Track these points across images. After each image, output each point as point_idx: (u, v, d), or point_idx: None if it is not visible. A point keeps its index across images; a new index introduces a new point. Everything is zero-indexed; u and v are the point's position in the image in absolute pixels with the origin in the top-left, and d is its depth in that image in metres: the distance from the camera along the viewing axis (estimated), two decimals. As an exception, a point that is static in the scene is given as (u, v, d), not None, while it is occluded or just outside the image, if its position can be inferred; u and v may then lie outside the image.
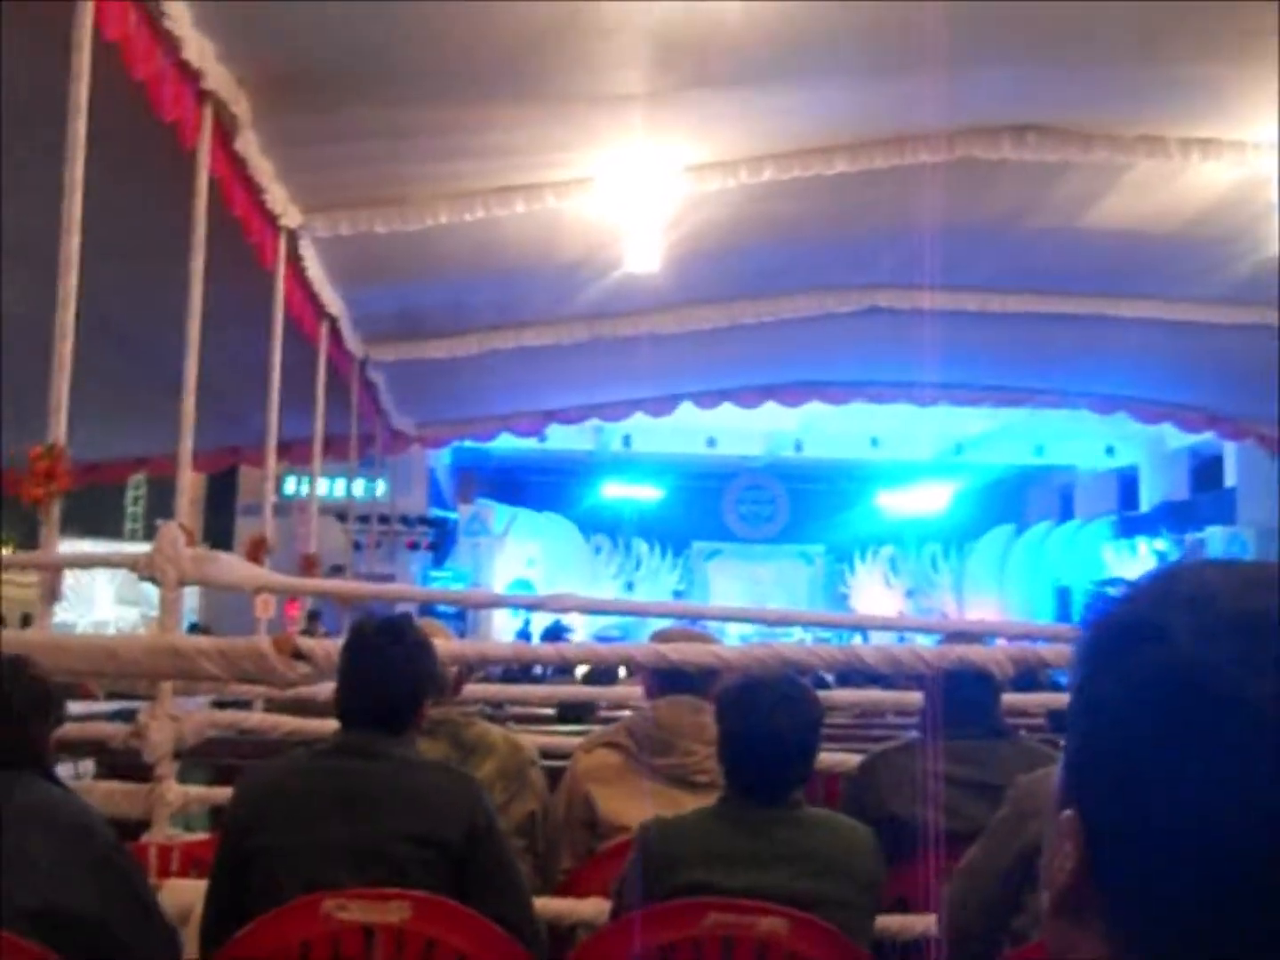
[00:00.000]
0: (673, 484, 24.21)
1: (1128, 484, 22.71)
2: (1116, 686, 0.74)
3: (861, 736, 5.60)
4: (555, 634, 11.33)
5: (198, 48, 6.19)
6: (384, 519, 16.39)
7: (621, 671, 6.87)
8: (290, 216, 8.34)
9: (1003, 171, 9.09)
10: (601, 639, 20.38)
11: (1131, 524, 21.72)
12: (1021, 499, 25.40)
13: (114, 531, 21.63)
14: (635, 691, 4.42)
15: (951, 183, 8.72)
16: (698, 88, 7.58)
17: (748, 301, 11.95)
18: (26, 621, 9.42)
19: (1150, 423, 16.32)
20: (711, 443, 21.07)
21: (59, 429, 4.66)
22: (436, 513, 20.20)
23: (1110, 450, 21.73)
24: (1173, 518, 20.38)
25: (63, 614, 12.83)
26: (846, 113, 8.20)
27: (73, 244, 4.81)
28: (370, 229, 8.74)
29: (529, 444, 18.45)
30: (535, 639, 17.80)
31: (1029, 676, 4.92)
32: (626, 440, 20.86)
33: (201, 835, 4.28)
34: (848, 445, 21.32)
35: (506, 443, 17.40)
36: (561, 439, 19.03)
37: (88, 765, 4.69)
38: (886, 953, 3.15)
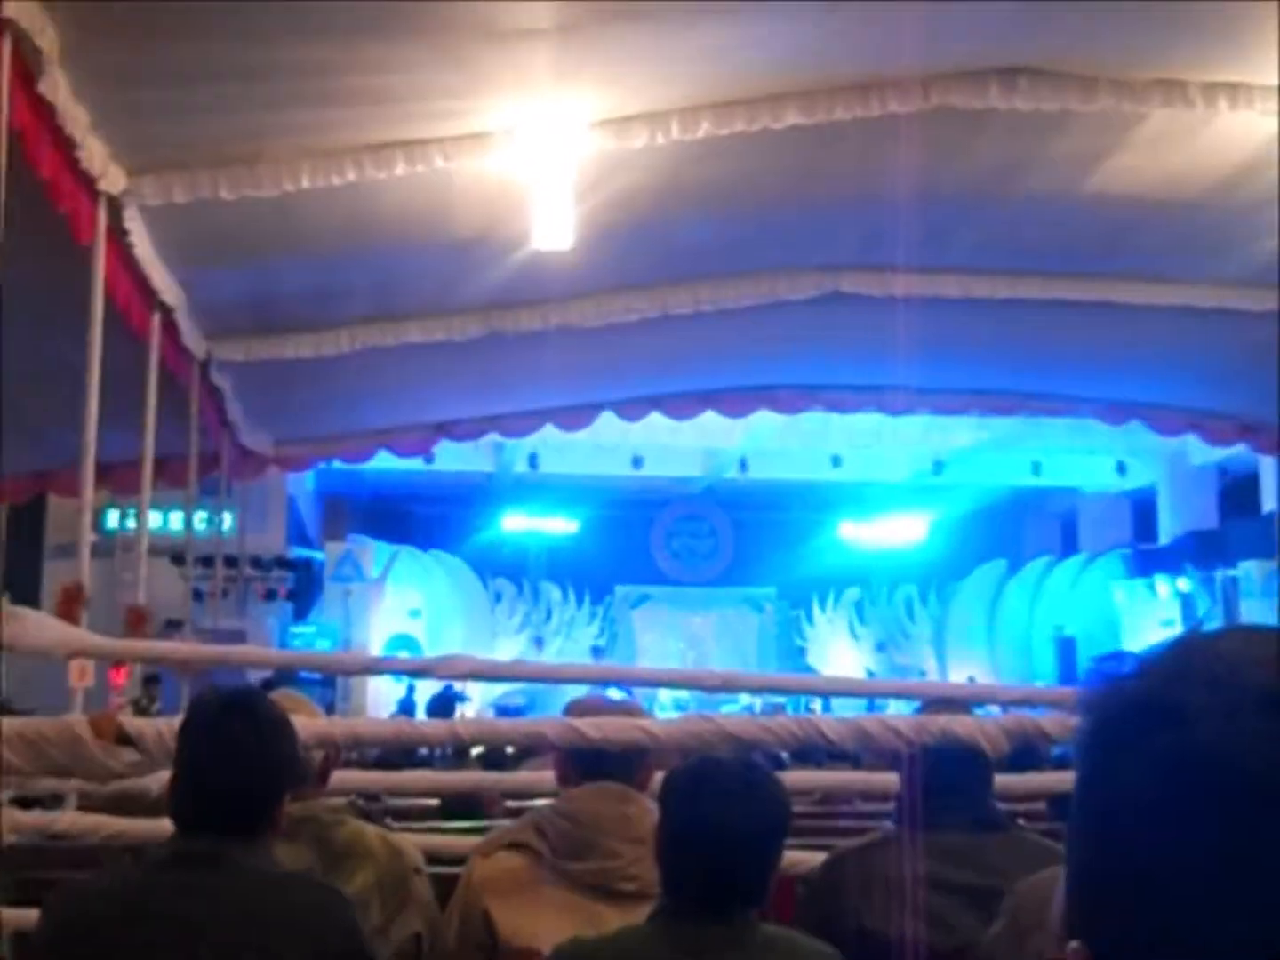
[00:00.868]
0: (590, 514, 24.26)
1: (1143, 509, 23.04)
2: (1128, 782, 0.74)
3: (823, 829, 5.55)
4: (445, 705, 11.24)
5: (-13, -35, 6.07)
6: (232, 561, 16.19)
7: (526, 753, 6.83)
8: (111, 179, 8.19)
9: (989, 125, 9.16)
10: (503, 710, 20.29)
11: (1148, 559, 22.03)
12: (1015, 529, 25.69)
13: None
14: (546, 777, 4.36)
15: (928, 139, 8.76)
16: (618, 21, 7.55)
17: (681, 287, 11.96)
18: None
19: (1171, 434, 16.57)
20: (637, 463, 21.08)
21: None
22: (298, 553, 20.02)
23: (1122, 468, 22.05)
24: (1199, 551, 20.65)
25: None
26: (800, 52, 8.21)
27: None
28: (214, 195, 8.62)
29: (413, 466, 18.33)
30: (421, 712, 17.73)
31: (1027, 753, 4.90)
32: (533, 460, 20.82)
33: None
34: (804, 464, 21.45)
35: (385, 464, 17.28)
36: (453, 459, 18.94)
37: None
38: None
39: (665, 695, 19.95)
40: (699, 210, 10.33)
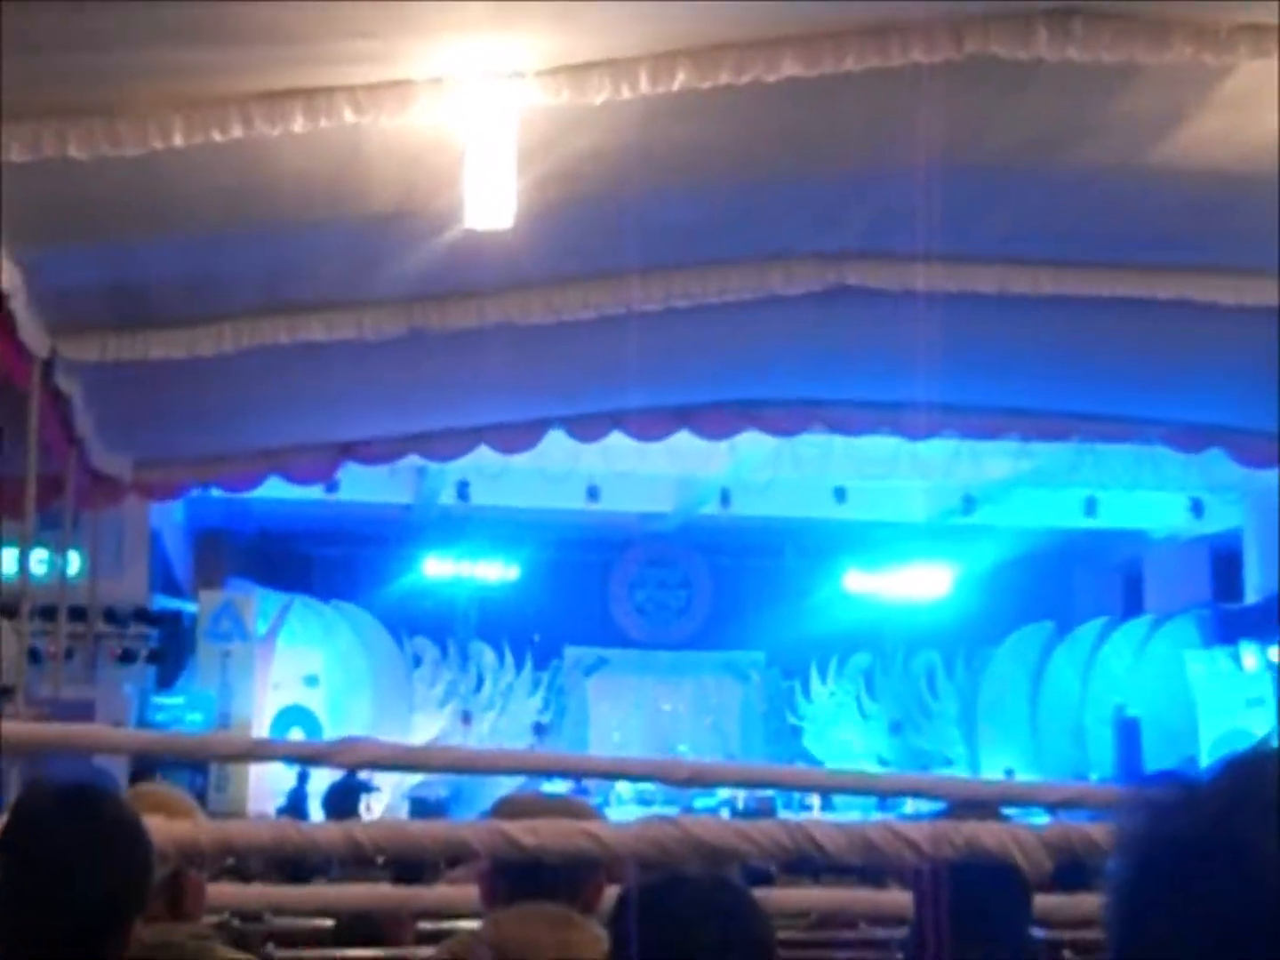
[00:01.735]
0: (534, 558, 24.22)
1: (1225, 560, 23.11)
2: (1180, 931, 0.75)
3: (818, 960, 5.56)
4: (346, 798, 11.22)
5: None
6: (78, 613, 16.07)
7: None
8: (-74, 134, 8.17)
9: (1035, 79, 9.21)
10: (420, 805, 20.08)
11: (1231, 622, 22.09)
12: (1064, 583, 25.76)
13: None
14: (470, 894, 4.34)
15: (959, 96, 8.81)
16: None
17: (650, 278, 11.97)
18: None
19: (1258, 466, 16.66)
20: (593, 494, 21.05)
21: None
22: (163, 604, 19.90)
23: (1198, 508, 22.11)
24: (1294, 612, 20.74)
25: None
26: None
27: None
28: (60, 153, 8.59)
29: (311, 495, 18.29)
30: (316, 807, 17.56)
31: (1075, 869, 4.90)
32: (463, 490, 20.77)
33: None
34: (800, 499, 21.46)
35: (277, 493, 17.23)
36: (362, 488, 18.88)
37: None
38: None
39: (625, 788, 19.91)
40: (673, 183, 10.36)
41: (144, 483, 15.71)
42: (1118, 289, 12.04)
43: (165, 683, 20.07)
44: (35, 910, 2.87)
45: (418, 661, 24.02)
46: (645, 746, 24.06)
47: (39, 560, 15.63)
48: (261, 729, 19.91)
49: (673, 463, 18.18)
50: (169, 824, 3.65)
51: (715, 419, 15.73)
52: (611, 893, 3.20)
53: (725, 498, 21.45)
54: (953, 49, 8.68)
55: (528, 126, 8.98)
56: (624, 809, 20.14)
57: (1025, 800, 5.72)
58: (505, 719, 24.10)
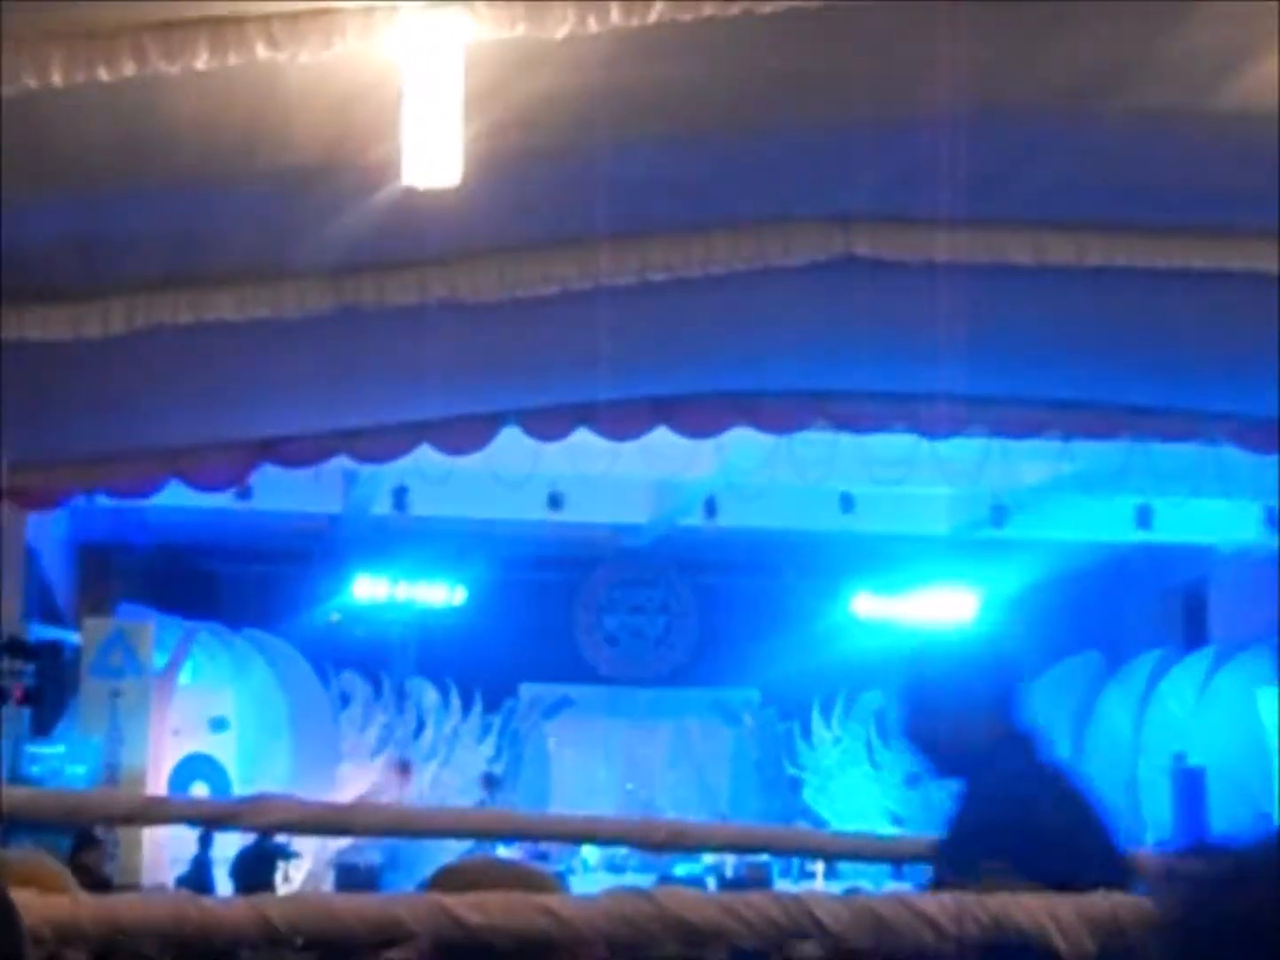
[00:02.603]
0: (485, 578, 24.22)
1: (1306, 581, 23.16)
2: None
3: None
4: (260, 865, 11.18)
5: None
6: (-62, 643, 16.00)
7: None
8: None
9: (1080, 13, 9.21)
10: (348, 872, 20.04)
11: (1313, 654, 22.14)
12: (1114, 607, 25.79)
13: None
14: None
15: (988, 30, 8.81)
16: None
17: (623, 246, 11.99)
18: None
19: (1347, 470, 16.69)
20: (556, 503, 21.01)
21: None
22: (40, 633, 19.81)
23: (1273, 519, 22.14)
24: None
25: None
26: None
27: None
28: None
29: (220, 504, 18.25)
30: (222, 877, 17.45)
31: (1124, 953, 4.92)
32: (400, 498, 20.73)
33: None
34: (801, 508, 21.49)
35: (178, 501, 17.19)
36: (281, 495, 18.85)
37: None
38: None
39: (592, 853, 19.85)
40: (648, 133, 10.37)
41: (19, 489, 15.63)
42: (1176, 258, 12.06)
43: (42, 728, 20.00)
44: None
45: (346, 701, 23.99)
46: (617, 802, 24.04)
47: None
48: (158, 783, 19.84)
49: (650, 465, 18.15)
50: (43, 900, 3.63)
51: (700, 413, 15.71)
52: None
53: (711, 507, 21.42)
54: (982, -28, 8.72)
55: (476, 64, 8.98)
56: (591, 878, 20.11)
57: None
58: (450, 770, 24.08)
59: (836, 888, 19.47)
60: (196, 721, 21.68)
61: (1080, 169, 11.14)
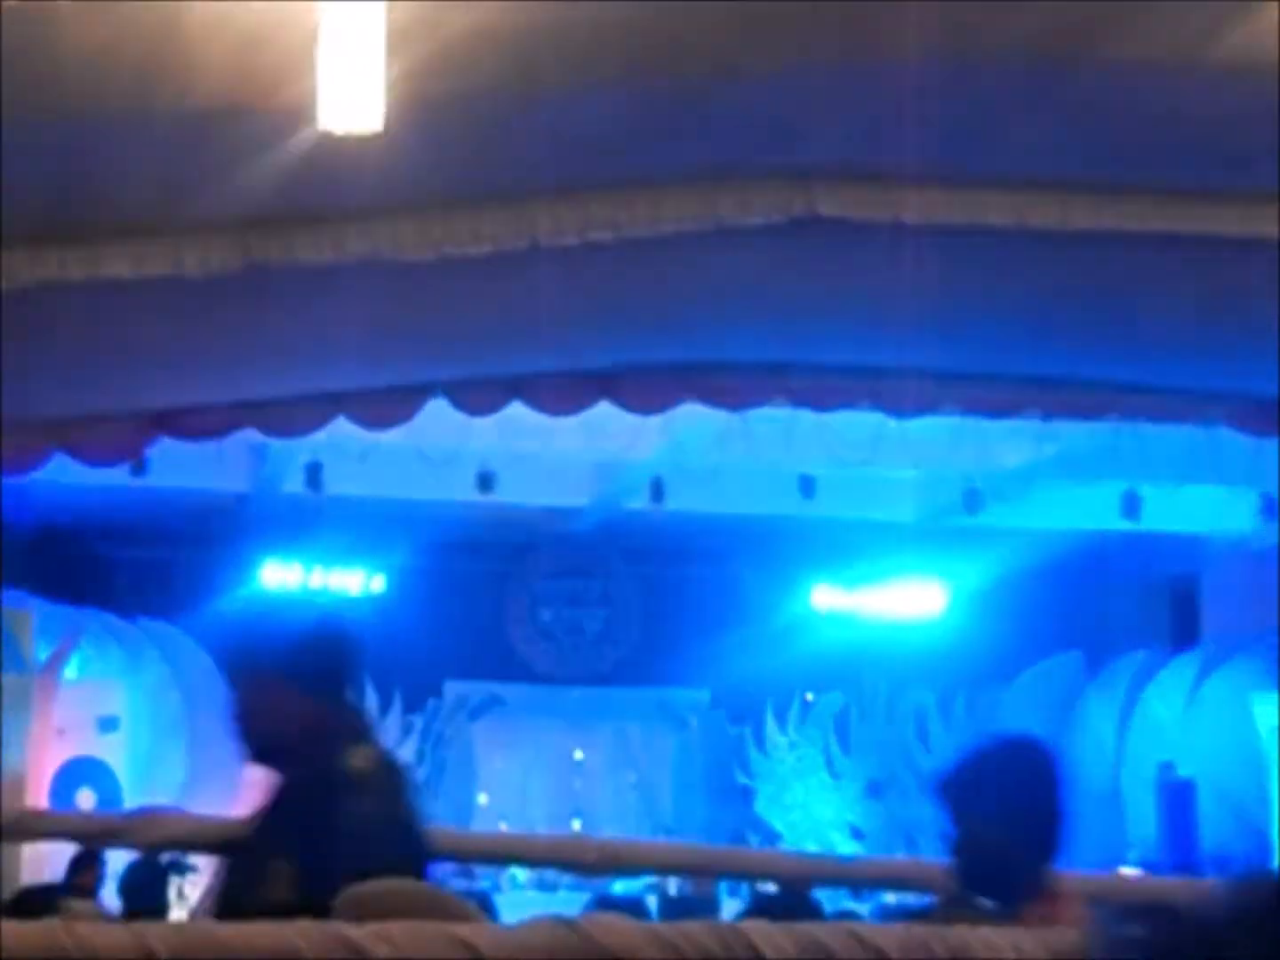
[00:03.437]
0: (407, 565, 24.29)
1: (1305, 577, 23.27)
2: None
3: None
4: (150, 882, 11.14)
5: None
6: None
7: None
8: None
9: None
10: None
11: (1313, 656, 22.25)
12: (1097, 603, 25.90)
13: None
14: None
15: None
16: None
17: (562, 202, 11.95)
18: None
19: (1349, 455, 16.76)
20: (487, 483, 20.98)
21: None
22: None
23: (1271, 508, 22.21)
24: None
25: None
26: None
27: None
28: None
29: (113, 480, 18.18)
30: (111, 892, 17.36)
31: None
32: (314, 475, 20.65)
33: None
34: (756, 492, 21.57)
35: (65, 476, 17.10)
36: (181, 471, 18.77)
37: None
38: None
39: (518, 875, 19.87)
40: (592, 76, 10.34)
41: (-113, 463, 15.59)
42: (1168, 222, 12.06)
43: (-93, 731, 19.95)
44: None
45: (251, 700, 23.93)
46: (549, 813, 24.08)
47: None
48: (40, 788, 19.78)
49: (590, 443, 18.16)
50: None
51: (645, 387, 15.66)
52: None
53: (658, 489, 21.35)
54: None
55: (400, -1, 8.98)
56: (519, 896, 20.11)
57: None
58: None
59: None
60: (83, 721, 21.60)
61: (1064, 124, 11.15)
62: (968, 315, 12.68)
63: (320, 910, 4.01)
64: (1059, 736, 23.87)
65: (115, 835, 4.80)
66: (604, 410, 15.90)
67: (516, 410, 15.73)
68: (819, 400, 15.84)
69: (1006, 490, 21.44)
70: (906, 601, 24.84)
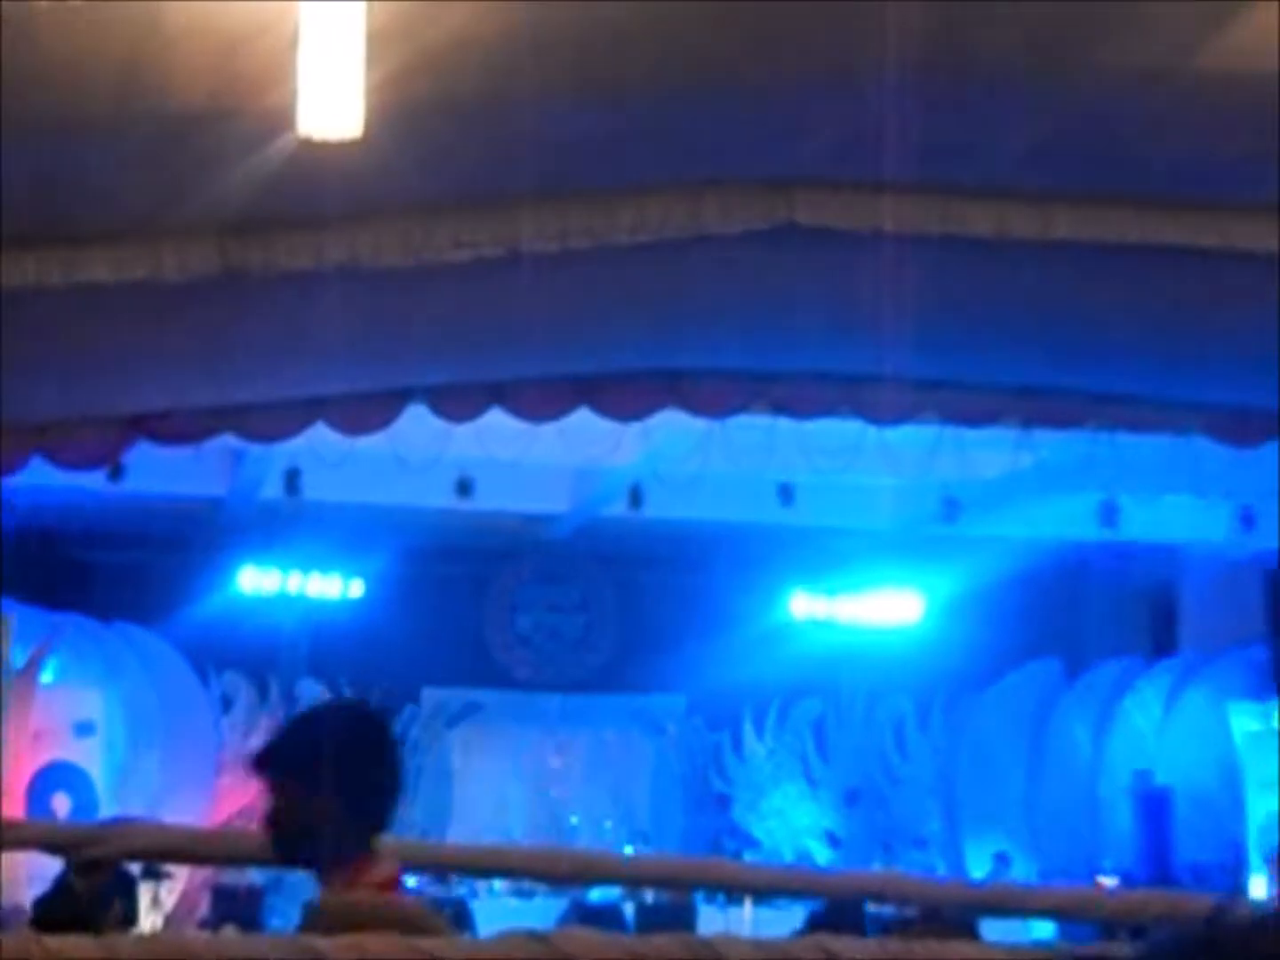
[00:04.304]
0: (384, 571, 24.18)
1: (1282, 586, 23.27)
2: None
3: None
4: (123, 888, 11.10)
5: None
6: None
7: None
8: None
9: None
10: (227, 896, 19.66)
11: (1290, 666, 22.24)
12: (1074, 612, 25.86)
13: None
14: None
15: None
16: None
17: (542, 208, 11.95)
18: None
19: (1328, 466, 16.75)
20: (466, 489, 20.98)
21: None
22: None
23: (1248, 519, 22.21)
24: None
25: None
26: None
27: None
28: None
29: (90, 484, 18.12)
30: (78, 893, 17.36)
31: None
32: (293, 481, 20.65)
33: None
34: (735, 499, 21.53)
35: (42, 480, 17.05)
36: (159, 476, 18.73)
37: None
38: None
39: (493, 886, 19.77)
40: (573, 83, 10.33)
41: None
42: (1150, 233, 12.06)
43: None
44: None
45: (228, 705, 23.90)
46: (526, 821, 24.01)
47: None
48: (15, 794, 19.70)
49: (569, 450, 18.11)
50: None
51: (625, 394, 15.64)
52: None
53: (636, 496, 21.38)
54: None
55: (381, 2, 8.94)
56: (496, 903, 20.07)
57: (1016, 906, 5.70)
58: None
59: (770, 913, 19.48)
60: (60, 725, 21.52)
61: (1047, 133, 11.14)
62: (947, 324, 12.66)
63: None
64: (1036, 744, 23.92)
65: (88, 845, 4.75)
66: (583, 417, 15.87)
67: (495, 417, 15.70)
68: (797, 408, 15.82)
69: (985, 499, 21.45)
70: (884, 609, 24.80)
